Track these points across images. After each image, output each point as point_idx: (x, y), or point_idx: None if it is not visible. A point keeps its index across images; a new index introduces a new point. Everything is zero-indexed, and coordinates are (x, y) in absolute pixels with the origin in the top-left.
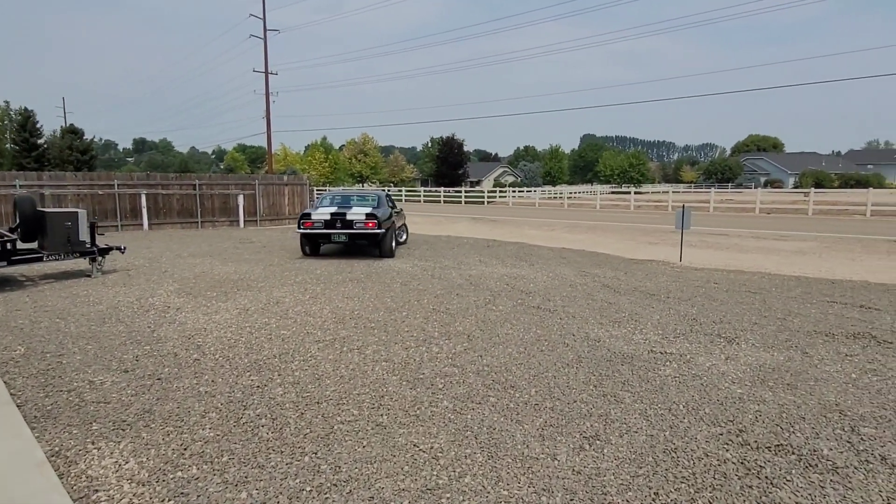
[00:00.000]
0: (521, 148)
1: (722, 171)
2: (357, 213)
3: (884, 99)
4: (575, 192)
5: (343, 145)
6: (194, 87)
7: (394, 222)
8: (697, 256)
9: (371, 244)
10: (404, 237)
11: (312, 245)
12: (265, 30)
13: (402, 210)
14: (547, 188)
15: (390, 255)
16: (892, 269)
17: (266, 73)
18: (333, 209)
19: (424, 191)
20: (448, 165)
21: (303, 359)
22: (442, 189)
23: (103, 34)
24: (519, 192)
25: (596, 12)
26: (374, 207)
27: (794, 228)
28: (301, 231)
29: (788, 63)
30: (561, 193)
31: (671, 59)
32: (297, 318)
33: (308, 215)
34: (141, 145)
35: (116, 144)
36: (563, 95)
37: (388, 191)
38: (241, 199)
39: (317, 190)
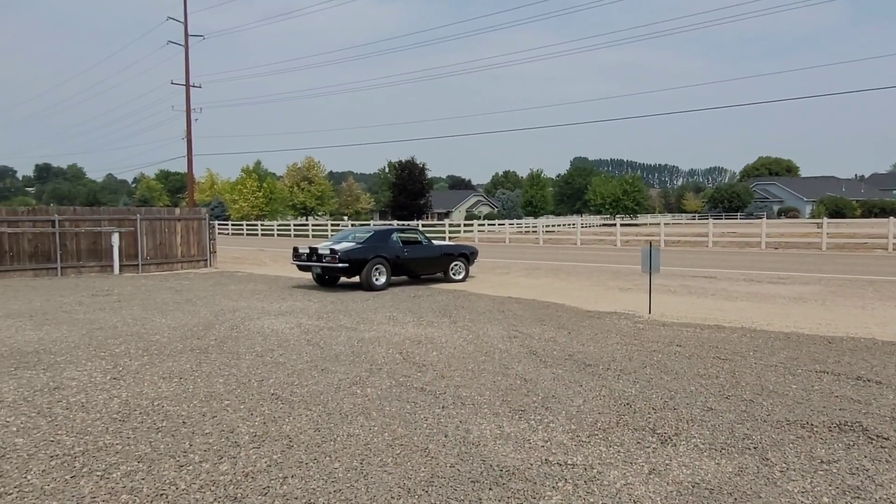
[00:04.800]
0: (501, 174)
1: (729, 198)
2: (325, 247)
3: None
4: (554, 225)
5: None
6: (105, 102)
7: (381, 258)
8: (673, 306)
9: (340, 276)
10: (462, 275)
11: (317, 277)
12: (186, 35)
13: (467, 245)
14: (528, 220)
15: (368, 288)
16: None
17: (187, 85)
18: (317, 244)
19: (376, 224)
20: (407, 194)
21: None
22: (396, 222)
23: None
24: (489, 225)
25: (577, 16)
26: (357, 243)
27: (799, 268)
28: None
29: (798, 73)
30: (535, 227)
31: (664, 73)
32: (63, 415)
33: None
34: (45, 172)
35: (14, 172)
36: (547, 110)
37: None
38: (115, 239)
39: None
